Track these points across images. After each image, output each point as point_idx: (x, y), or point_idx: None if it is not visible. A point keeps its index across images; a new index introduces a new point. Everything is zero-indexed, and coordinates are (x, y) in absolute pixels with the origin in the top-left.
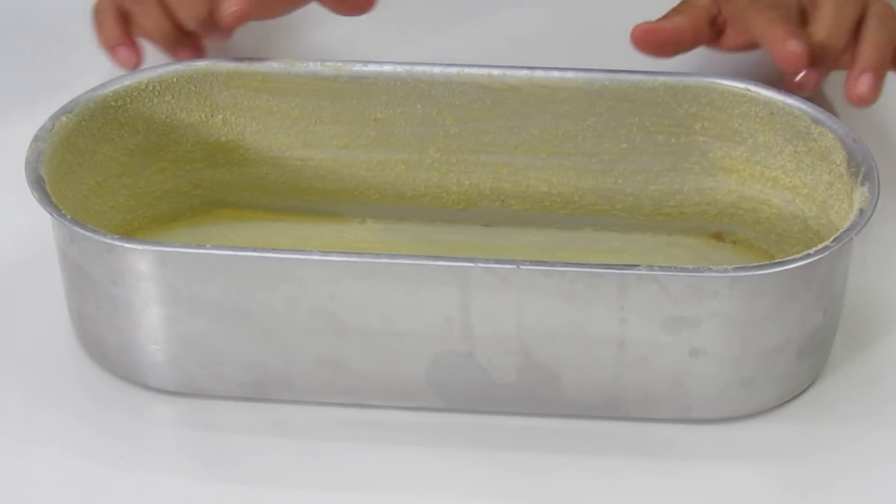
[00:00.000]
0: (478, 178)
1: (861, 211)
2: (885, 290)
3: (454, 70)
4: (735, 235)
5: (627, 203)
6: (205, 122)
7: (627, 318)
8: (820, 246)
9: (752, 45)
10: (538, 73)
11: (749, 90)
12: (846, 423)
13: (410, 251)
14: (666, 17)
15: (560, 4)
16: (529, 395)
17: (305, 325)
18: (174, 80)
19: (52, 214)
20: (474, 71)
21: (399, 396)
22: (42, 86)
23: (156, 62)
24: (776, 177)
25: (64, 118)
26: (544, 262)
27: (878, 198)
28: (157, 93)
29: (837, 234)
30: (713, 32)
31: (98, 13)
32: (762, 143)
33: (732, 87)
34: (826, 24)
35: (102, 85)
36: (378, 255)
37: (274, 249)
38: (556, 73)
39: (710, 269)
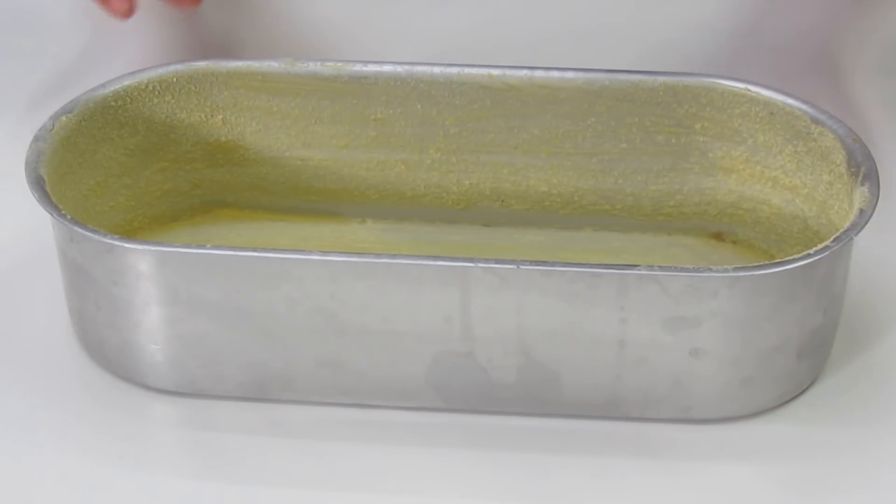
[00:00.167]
0: (478, 178)
1: (861, 211)
2: (885, 290)
3: (454, 70)
4: (735, 235)
5: (627, 203)
6: (205, 122)
7: (627, 318)
8: (820, 246)
9: None
10: (538, 73)
11: (749, 90)
12: (846, 423)
13: (410, 251)
14: None
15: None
16: (529, 395)
17: (305, 325)
18: (174, 80)
19: (52, 214)
20: (474, 71)
21: (399, 396)
22: (42, 86)
23: (156, 62)
24: (776, 177)
25: (64, 118)
26: (544, 262)
27: (878, 198)
28: (157, 93)
29: (837, 234)
30: None
31: None
32: (762, 143)
33: (732, 87)
34: None
35: (102, 85)
36: (378, 255)
37: (274, 249)
38: (556, 73)
39: (710, 269)
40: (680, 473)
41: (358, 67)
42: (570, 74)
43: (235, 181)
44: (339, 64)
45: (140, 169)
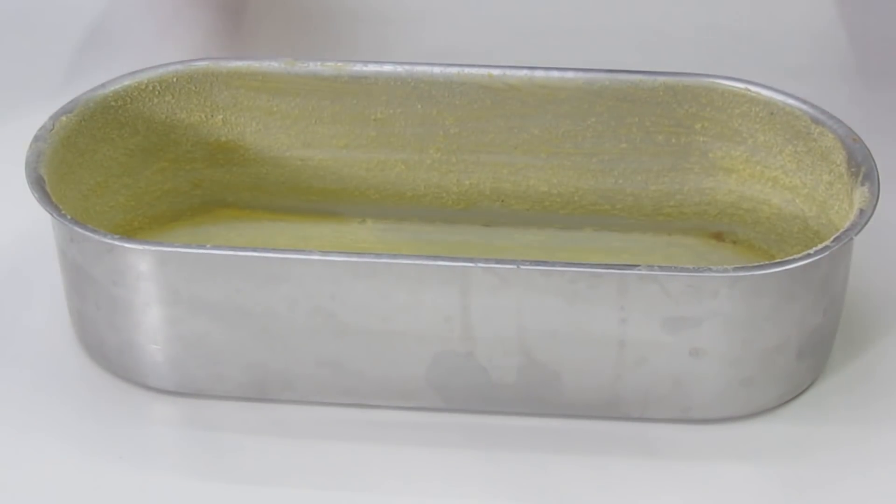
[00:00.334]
0: (478, 178)
1: (861, 211)
2: (885, 290)
3: (454, 70)
4: (735, 235)
5: (627, 203)
6: (205, 122)
7: (627, 318)
8: (820, 246)
9: None
10: (538, 73)
11: (749, 90)
12: (846, 423)
13: (410, 251)
14: None
15: (560, 4)
16: (529, 395)
17: (305, 325)
18: (174, 80)
19: (52, 214)
20: (474, 71)
21: (399, 396)
22: (42, 86)
23: (156, 62)
24: (776, 177)
25: (64, 118)
26: (544, 262)
27: (878, 198)
28: (157, 93)
29: (837, 234)
30: None
31: None
32: (762, 143)
33: (732, 87)
34: None
35: (102, 85)
36: (378, 255)
37: (274, 249)
38: (556, 73)
39: (710, 269)
40: (680, 473)
41: (358, 67)
42: (570, 74)
43: (235, 181)
44: (339, 64)
45: (140, 169)
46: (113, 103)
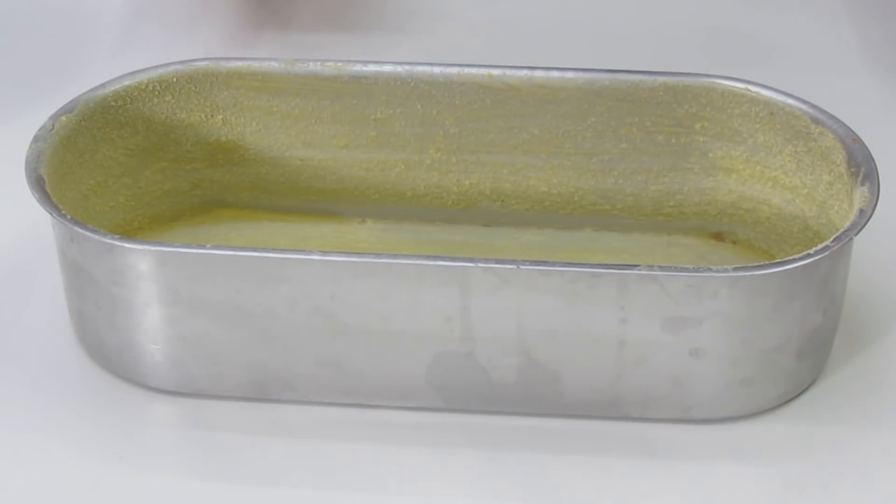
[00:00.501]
0: (478, 178)
1: (861, 211)
2: (885, 290)
3: (454, 70)
4: (735, 235)
5: (627, 203)
6: (205, 122)
7: (627, 318)
8: (820, 246)
9: None
10: (538, 73)
11: (749, 90)
12: (846, 423)
13: (410, 251)
14: None
15: (560, 4)
16: (529, 395)
17: (305, 325)
18: (174, 80)
19: (52, 214)
20: (474, 71)
21: (399, 396)
22: (42, 86)
23: (156, 62)
24: (776, 177)
25: (64, 118)
26: (544, 262)
27: (878, 198)
28: (157, 93)
29: (837, 234)
30: None
31: None
32: (762, 143)
33: (732, 87)
34: None
35: (102, 85)
36: (378, 255)
37: (274, 249)
38: (556, 73)
39: (710, 269)
40: (680, 473)
41: (358, 67)
42: (570, 74)
43: (235, 181)
44: (339, 64)
45: (140, 169)
46: (113, 103)
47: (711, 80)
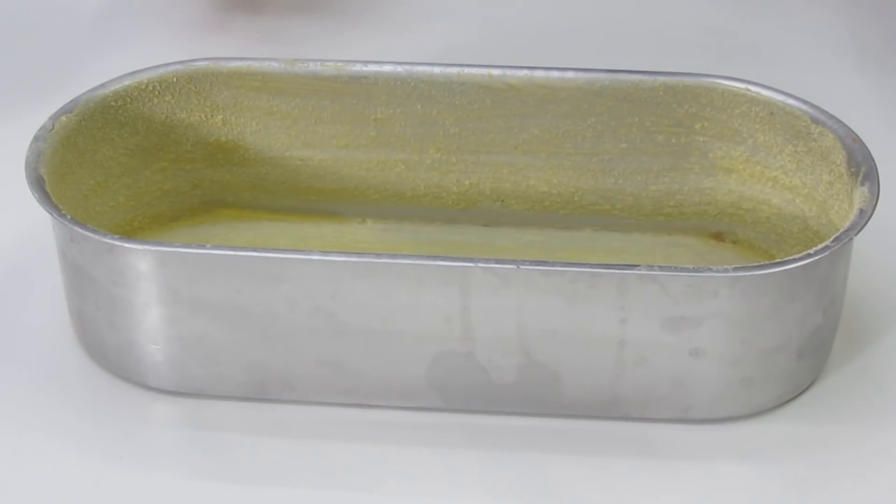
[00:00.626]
0: (478, 178)
1: (861, 211)
2: (885, 290)
3: (454, 70)
4: (735, 235)
5: (627, 203)
6: (205, 122)
7: (627, 318)
8: (820, 246)
9: None
10: (538, 73)
11: (749, 90)
12: (846, 423)
13: (410, 251)
14: None
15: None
16: (529, 395)
17: (305, 325)
18: (174, 80)
19: (52, 214)
20: (474, 71)
21: (399, 396)
22: (42, 86)
23: (156, 62)
24: (776, 177)
25: (64, 118)
26: (544, 262)
27: (878, 198)
28: (157, 93)
29: (837, 234)
30: None
31: None
32: (762, 143)
33: (732, 87)
34: None
35: (102, 85)
36: (378, 255)
37: (274, 249)
38: (556, 73)
39: (710, 269)
40: (680, 473)
41: (358, 67)
42: (570, 74)
43: (235, 181)
44: (339, 64)
45: (140, 169)
46: (113, 103)
47: (711, 80)
